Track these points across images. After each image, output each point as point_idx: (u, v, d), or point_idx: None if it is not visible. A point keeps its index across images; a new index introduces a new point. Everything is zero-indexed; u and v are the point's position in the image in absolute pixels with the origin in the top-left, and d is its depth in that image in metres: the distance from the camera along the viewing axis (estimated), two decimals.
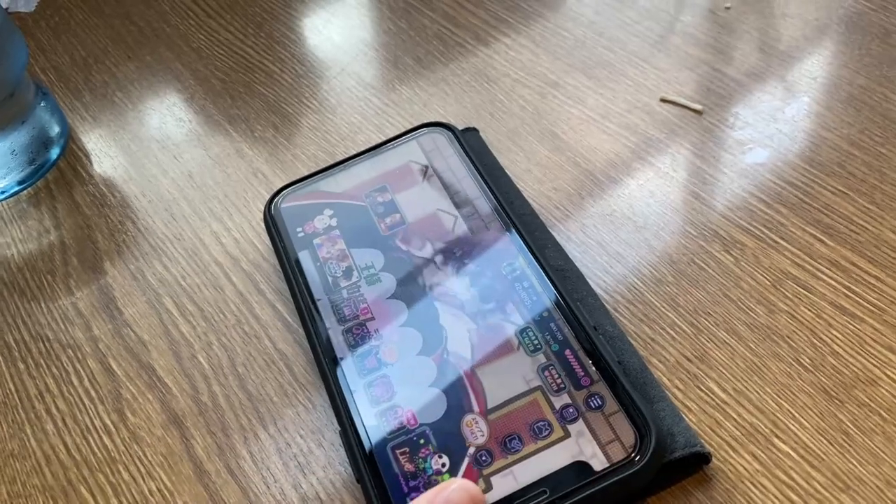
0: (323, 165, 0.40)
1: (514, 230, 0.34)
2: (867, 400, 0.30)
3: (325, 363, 0.32)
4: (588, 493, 0.27)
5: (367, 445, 0.29)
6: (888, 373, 0.30)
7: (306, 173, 0.40)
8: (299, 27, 0.51)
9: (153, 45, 0.52)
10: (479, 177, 0.37)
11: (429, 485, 0.28)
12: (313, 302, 0.34)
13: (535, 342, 0.31)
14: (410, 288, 0.34)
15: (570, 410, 0.29)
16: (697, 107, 0.41)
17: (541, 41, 0.46)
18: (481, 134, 0.41)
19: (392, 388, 0.31)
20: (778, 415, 0.30)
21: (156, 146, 0.46)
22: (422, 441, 0.29)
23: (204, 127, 0.46)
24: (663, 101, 0.42)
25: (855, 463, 0.28)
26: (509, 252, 0.34)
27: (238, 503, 0.31)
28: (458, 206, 0.36)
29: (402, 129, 0.41)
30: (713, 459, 0.29)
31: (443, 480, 0.28)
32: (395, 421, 0.30)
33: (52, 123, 0.46)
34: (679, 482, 0.28)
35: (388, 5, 0.51)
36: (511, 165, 0.40)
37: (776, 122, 0.40)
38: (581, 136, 0.41)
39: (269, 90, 0.47)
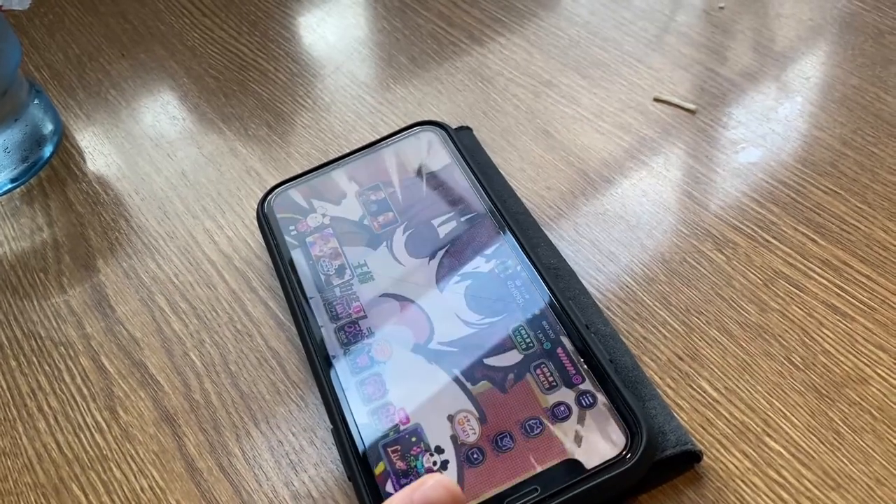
0: (316, 164, 0.40)
1: (507, 229, 0.34)
2: (858, 398, 0.30)
3: (318, 361, 0.32)
4: (579, 490, 0.27)
5: (359, 443, 0.29)
6: (879, 371, 0.30)
7: (300, 171, 0.40)
8: (294, 26, 0.51)
9: (147, 43, 0.52)
10: (472, 175, 0.37)
11: None
12: (306, 300, 0.34)
13: (528, 340, 0.31)
14: (403, 286, 0.34)
15: (562, 408, 0.29)
16: (691, 106, 0.41)
17: (535, 40, 0.46)
18: (475, 133, 0.41)
19: (384, 386, 0.31)
20: (769, 413, 0.30)
21: (149, 144, 0.45)
22: (414, 439, 0.29)
23: (197, 125, 0.46)
24: (657, 100, 0.42)
25: (845, 461, 0.28)
26: (502, 251, 0.34)
27: (230, 501, 0.31)
28: (451, 204, 0.36)
29: (396, 128, 0.41)
30: (704, 458, 0.29)
31: None
32: (388, 419, 0.30)
33: (45, 121, 0.46)
34: (670, 480, 0.29)
35: (383, 4, 0.51)
36: (504, 164, 0.40)
37: (769, 122, 0.40)
38: (574, 136, 0.41)
39: (264, 88, 0.47)
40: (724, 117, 0.40)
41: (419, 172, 0.38)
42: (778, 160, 0.38)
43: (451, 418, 0.29)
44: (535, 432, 0.28)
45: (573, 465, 0.27)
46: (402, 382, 0.31)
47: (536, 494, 0.27)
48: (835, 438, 0.29)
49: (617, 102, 0.42)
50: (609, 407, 0.28)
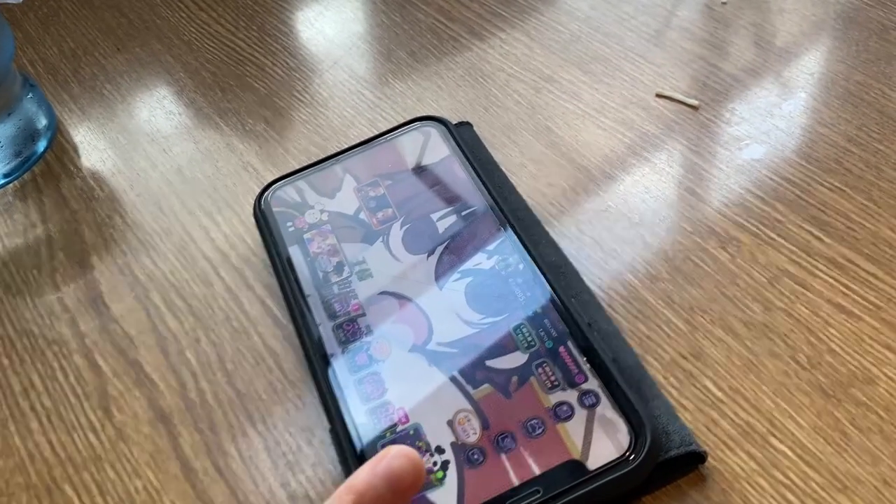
0: (314, 159, 0.39)
1: (508, 226, 0.34)
2: (865, 399, 0.29)
3: (316, 360, 0.31)
4: (581, 492, 0.26)
5: (357, 443, 0.29)
6: (886, 371, 0.30)
7: (297, 167, 0.39)
8: (291, 20, 0.51)
9: (143, 37, 0.51)
10: (472, 172, 0.36)
11: None
12: (304, 298, 0.33)
13: (529, 339, 0.30)
14: (402, 284, 0.33)
15: (564, 408, 0.28)
16: (693, 102, 0.40)
17: (536, 35, 0.46)
18: (475, 129, 0.41)
19: (383, 385, 0.30)
20: (774, 413, 0.29)
21: (145, 139, 0.45)
22: (413, 439, 0.28)
23: (194, 120, 0.45)
24: (659, 96, 0.41)
25: (853, 463, 0.28)
26: (503, 248, 0.33)
27: (226, 502, 0.30)
28: (451, 201, 0.36)
29: (395, 124, 0.40)
30: (709, 459, 0.28)
31: (435, 479, 0.27)
32: (387, 418, 0.29)
33: (39, 115, 0.45)
34: (674, 481, 0.28)
35: None
36: (505, 160, 0.40)
37: (773, 118, 0.39)
38: (576, 132, 0.40)
39: (261, 83, 0.47)
40: (727, 113, 0.40)
41: (419, 168, 0.37)
42: (782, 157, 0.38)
43: (451, 418, 0.29)
44: (537, 433, 0.28)
45: (576, 466, 0.27)
46: (402, 381, 0.30)
47: (538, 496, 0.26)
48: (842, 439, 0.28)
49: (619, 98, 0.41)
50: (612, 407, 0.28)
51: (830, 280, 0.33)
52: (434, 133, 0.39)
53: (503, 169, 0.39)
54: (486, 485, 0.27)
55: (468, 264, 0.33)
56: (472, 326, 0.31)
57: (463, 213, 0.35)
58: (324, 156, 0.39)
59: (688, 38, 0.44)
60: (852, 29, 0.43)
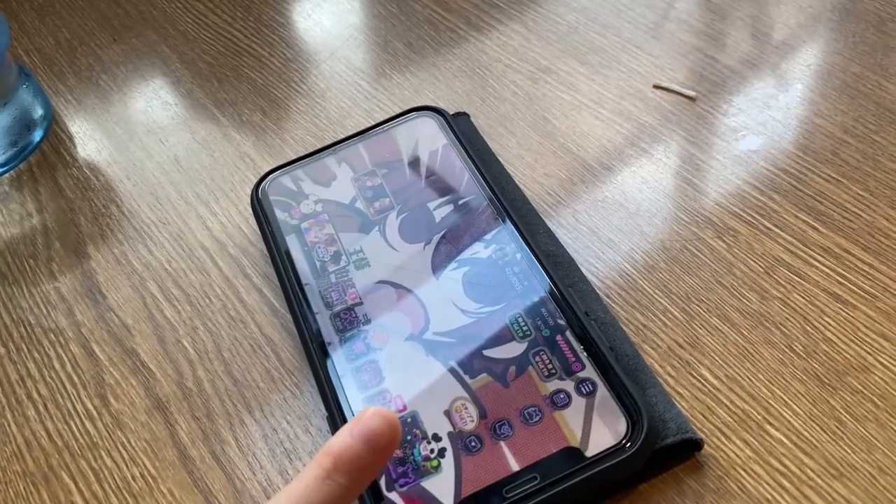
0: (311, 150, 0.39)
1: (505, 215, 0.34)
2: (860, 387, 0.29)
3: (313, 348, 0.31)
4: (579, 479, 0.26)
5: None
6: (881, 360, 0.30)
7: (294, 157, 0.39)
8: (288, 11, 0.51)
9: (139, 27, 0.51)
10: (469, 162, 0.36)
11: (417, 471, 0.27)
12: (300, 287, 0.33)
13: (526, 328, 0.30)
14: (399, 273, 0.33)
15: (562, 396, 0.28)
16: (691, 93, 0.40)
17: (533, 27, 0.46)
18: (472, 119, 0.41)
19: (380, 374, 0.30)
20: (770, 401, 0.29)
21: (141, 130, 0.45)
22: (410, 427, 0.28)
23: (190, 111, 0.45)
24: (656, 87, 0.41)
25: (848, 450, 0.28)
26: (500, 237, 0.33)
27: (223, 489, 0.30)
28: (448, 191, 0.36)
29: (392, 114, 0.40)
30: (705, 446, 0.28)
31: (431, 467, 0.27)
32: (384, 406, 0.29)
33: (34, 105, 0.45)
34: (671, 469, 0.28)
35: None
36: (502, 151, 0.40)
37: (769, 110, 0.39)
38: (573, 123, 0.40)
39: (258, 74, 0.46)
40: (724, 104, 0.40)
41: (416, 158, 0.37)
42: (778, 148, 0.38)
43: (448, 406, 0.29)
44: (535, 420, 0.28)
45: (573, 454, 0.27)
46: (399, 370, 0.30)
47: (535, 483, 0.26)
48: (837, 427, 0.28)
49: (616, 89, 0.42)
50: (609, 395, 0.28)
51: (826, 269, 0.33)
52: (431, 123, 0.39)
53: (500, 159, 0.39)
54: (483, 472, 0.27)
55: (465, 254, 0.33)
56: (469, 316, 0.31)
57: (460, 203, 0.35)
58: (321, 146, 0.39)
59: (685, 30, 0.44)
60: (849, 20, 0.43)
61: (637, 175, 0.38)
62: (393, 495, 0.27)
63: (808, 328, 0.31)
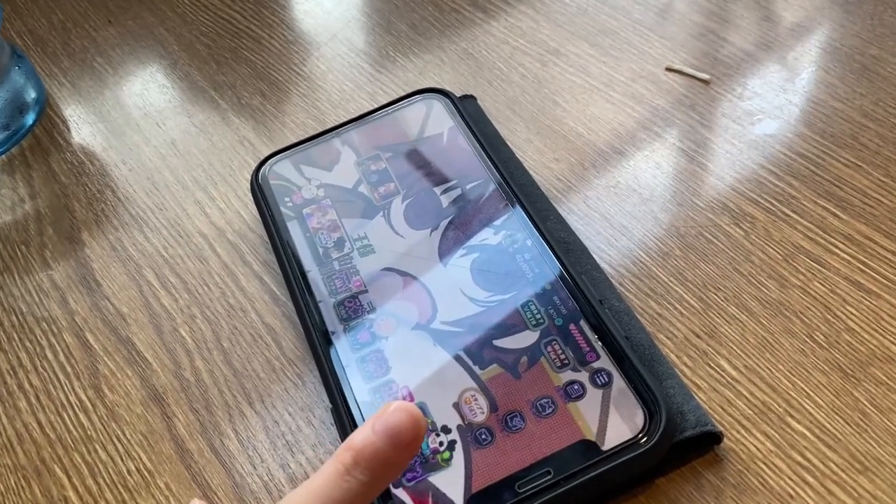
0: (313, 133, 0.38)
1: (514, 201, 0.33)
2: (885, 378, 0.28)
3: (316, 337, 0.30)
4: (594, 473, 0.25)
5: (359, 423, 0.27)
6: None
7: (295, 141, 0.38)
8: None
9: (135, 9, 0.49)
10: (477, 146, 0.35)
11: (426, 465, 0.26)
12: (303, 274, 0.32)
13: (538, 316, 0.29)
14: (405, 260, 0.32)
15: (576, 387, 0.27)
16: (704, 76, 0.39)
17: (541, 8, 0.44)
18: (479, 102, 0.40)
19: (387, 364, 0.29)
20: (791, 393, 0.28)
21: (137, 113, 0.43)
22: None
23: (188, 94, 0.44)
24: (669, 70, 0.40)
25: (873, 443, 0.27)
26: (510, 223, 0.32)
27: (222, 484, 0.29)
28: (455, 175, 0.35)
29: (396, 97, 0.39)
30: (725, 439, 0.27)
31: (441, 460, 0.26)
32: (390, 397, 0.28)
33: (27, 88, 0.44)
34: (689, 463, 0.27)
35: None
36: (510, 135, 0.38)
37: (786, 93, 0.38)
38: (584, 106, 0.39)
39: (257, 56, 0.45)
40: (738, 87, 0.39)
41: (421, 142, 0.36)
42: (796, 132, 0.36)
43: (457, 398, 0.28)
44: (548, 412, 0.27)
45: (588, 447, 0.26)
46: (406, 360, 0.29)
47: (549, 477, 0.25)
48: (861, 419, 0.27)
49: (627, 72, 0.40)
50: (626, 386, 0.27)
51: (847, 257, 0.32)
52: (437, 106, 0.37)
53: (508, 144, 0.37)
54: (494, 466, 0.26)
55: (473, 240, 0.32)
56: (478, 304, 0.30)
57: (467, 188, 0.34)
58: (322, 129, 0.38)
59: (697, 11, 0.43)
60: (867, 2, 0.42)
61: (650, 160, 0.36)
62: (400, 491, 0.26)
63: (830, 317, 0.30)
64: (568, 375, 0.27)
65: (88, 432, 0.31)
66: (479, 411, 0.27)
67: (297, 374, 0.31)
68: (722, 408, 0.28)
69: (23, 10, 0.50)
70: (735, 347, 0.30)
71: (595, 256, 0.33)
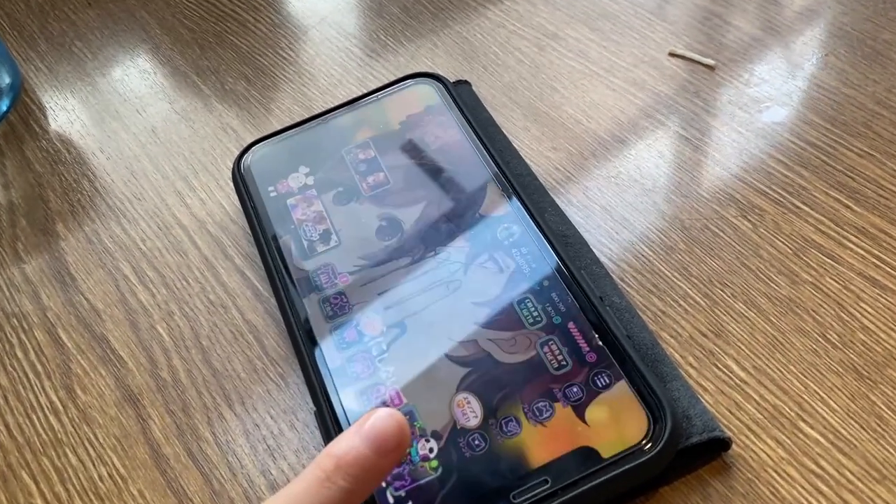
0: (299, 120, 0.36)
1: (511, 192, 0.31)
2: None
3: (300, 336, 0.28)
4: (595, 483, 0.23)
5: (345, 427, 0.26)
6: None
7: (280, 128, 0.36)
8: None
9: None
10: (472, 134, 0.33)
11: (414, 473, 0.25)
12: (286, 268, 0.30)
13: (535, 314, 0.28)
14: (395, 254, 0.30)
15: (574, 390, 0.25)
16: (709, 62, 0.37)
17: None
18: (474, 88, 0.38)
19: (374, 364, 0.27)
20: (804, 396, 0.27)
21: (117, 99, 0.42)
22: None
23: (170, 79, 0.42)
24: (672, 55, 0.38)
25: (891, 450, 0.25)
26: (506, 215, 0.30)
27: (199, 491, 0.27)
28: (448, 165, 0.33)
29: (386, 83, 0.37)
30: (733, 445, 0.26)
31: (430, 468, 0.25)
32: (378, 400, 0.26)
33: (1, 73, 0.42)
34: (695, 471, 0.25)
35: None
36: (506, 123, 0.37)
37: (794, 79, 0.36)
38: (583, 92, 0.37)
39: (242, 40, 0.43)
40: (745, 74, 0.37)
41: (413, 129, 0.34)
42: (805, 120, 0.35)
43: (449, 399, 0.26)
44: (545, 416, 0.25)
45: (588, 454, 0.24)
46: (395, 360, 0.27)
47: (546, 486, 0.24)
48: (878, 424, 0.26)
49: (629, 57, 0.38)
50: (628, 388, 0.25)
51: (861, 251, 0.30)
52: (430, 91, 0.35)
53: (505, 132, 0.36)
54: (487, 474, 0.24)
55: (467, 233, 0.30)
56: (472, 301, 0.28)
57: (462, 178, 0.32)
58: (309, 116, 0.36)
59: None
60: None
61: (653, 148, 0.35)
62: (387, 499, 0.24)
63: (844, 315, 0.28)
64: (566, 377, 0.26)
65: (59, 435, 0.29)
66: (472, 415, 0.26)
67: (280, 375, 0.30)
68: (730, 412, 0.27)
69: None
70: (743, 347, 0.28)
71: (595, 250, 0.31)
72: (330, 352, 0.28)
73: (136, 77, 0.42)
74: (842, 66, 0.37)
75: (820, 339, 0.28)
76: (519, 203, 0.31)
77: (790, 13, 0.39)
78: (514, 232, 0.30)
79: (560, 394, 0.25)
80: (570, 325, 0.27)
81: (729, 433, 0.26)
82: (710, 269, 0.30)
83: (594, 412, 0.25)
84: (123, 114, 0.41)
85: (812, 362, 0.27)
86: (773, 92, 0.36)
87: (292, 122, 0.36)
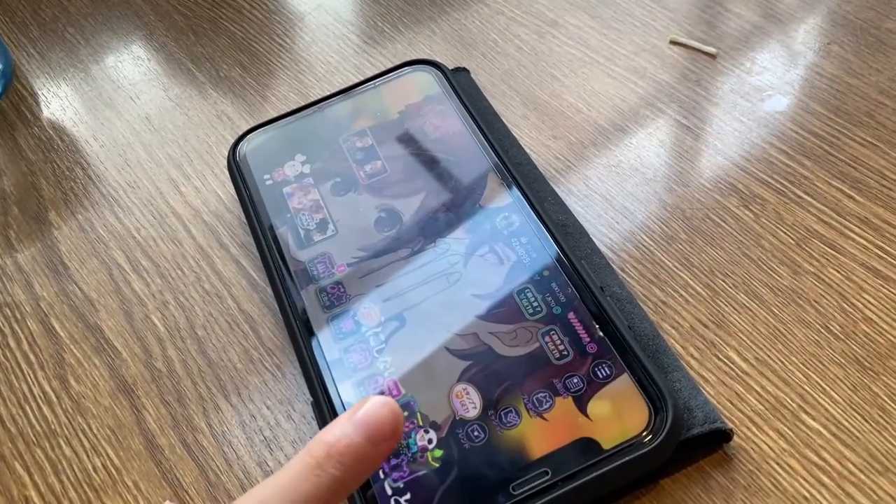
0: (295, 108, 0.36)
1: (511, 181, 0.31)
2: None
3: (296, 326, 0.28)
4: (595, 474, 0.23)
5: None
6: None
7: (276, 116, 0.35)
8: None
9: None
10: (471, 122, 0.33)
11: (413, 463, 0.24)
12: (282, 258, 0.30)
13: (535, 304, 0.27)
14: (394, 245, 0.30)
15: (575, 381, 0.25)
16: (711, 50, 0.37)
17: None
18: (472, 76, 0.37)
19: (372, 355, 0.27)
20: (806, 387, 0.26)
21: (110, 86, 0.41)
22: (405, 414, 0.25)
23: (164, 66, 0.41)
24: (673, 43, 0.38)
25: (894, 441, 0.25)
26: (506, 204, 0.30)
27: (194, 482, 0.27)
28: (447, 153, 0.32)
29: (384, 70, 0.36)
30: (734, 437, 0.25)
31: (430, 458, 0.24)
32: (375, 391, 0.26)
33: None
34: (696, 462, 0.25)
35: None
36: (506, 111, 0.36)
37: (797, 68, 0.36)
38: (583, 80, 0.37)
39: (237, 27, 0.43)
40: (747, 62, 0.37)
41: (411, 117, 0.34)
42: (808, 109, 0.34)
43: (448, 390, 0.26)
44: (545, 407, 0.25)
45: (588, 446, 0.24)
46: (393, 350, 0.27)
47: (547, 478, 0.23)
48: (880, 416, 0.26)
49: (630, 45, 0.38)
50: (629, 379, 0.25)
51: (864, 242, 0.30)
52: (428, 78, 0.35)
53: (504, 120, 0.35)
54: (487, 465, 0.24)
55: (466, 223, 0.30)
56: (471, 292, 0.28)
57: (460, 167, 0.32)
58: (305, 103, 0.36)
59: None
60: None
61: (654, 137, 0.34)
62: (384, 491, 0.24)
63: (846, 306, 0.28)
64: (567, 367, 0.25)
65: (52, 426, 0.29)
66: (472, 406, 0.25)
67: (276, 365, 0.29)
68: (731, 403, 0.26)
69: None
70: (745, 338, 0.28)
71: (595, 240, 0.31)
72: (327, 342, 0.27)
73: (130, 64, 0.42)
74: (844, 54, 0.36)
75: (822, 329, 0.28)
76: (519, 193, 0.30)
77: (792, 1, 0.39)
78: (514, 221, 0.30)
79: (560, 385, 0.25)
80: (571, 315, 0.27)
81: (730, 424, 0.25)
82: (712, 259, 0.30)
83: (595, 403, 0.25)
84: (117, 101, 0.40)
85: (814, 353, 0.27)
86: (774, 81, 0.36)
87: (288, 110, 0.36)
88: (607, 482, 0.23)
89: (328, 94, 0.36)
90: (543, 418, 0.25)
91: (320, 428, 0.26)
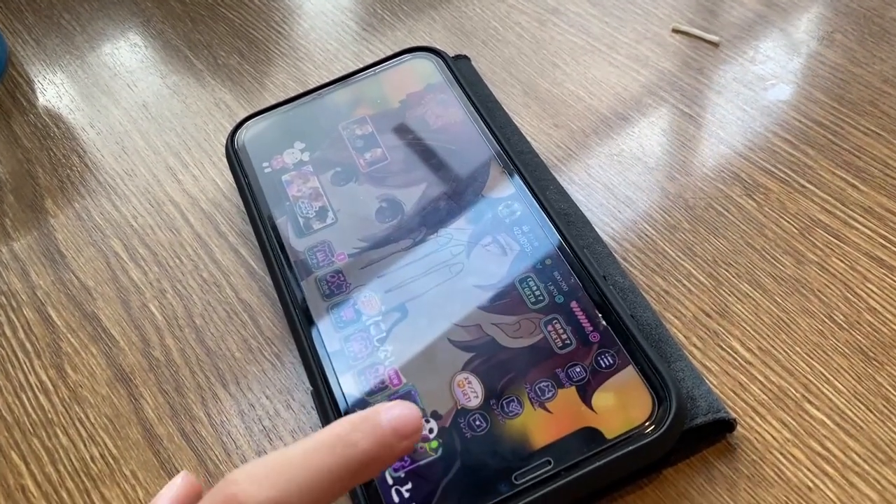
0: (293, 95, 0.35)
1: (512, 170, 0.30)
2: None
3: (296, 315, 0.28)
4: (598, 464, 0.23)
5: (342, 407, 0.25)
6: None
7: (274, 103, 0.35)
8: None
9: None
10: (472, 110, 0.33)
11: (414, 454, 0.24)
12: (282, 246, 0.30)
13: (538, 293, 0.27)
14: (395, 236, 0.30)
15: (578, 370, 0.25)
16: (713, 38, 0.37)
17: None
18: (473, 63, 0.37)
19: (372, 344, 0.27)
20: (809, 377, 0.26)
21: (107, 73, 0.40)
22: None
23: (161, 53, 0.41)
24: (675, 31, 0.37)
25: None
26: (507, 193, 0.30)
27: (193, 472, 0.27)
28: (447, 141, 0.32)
29: (383, 57, 0.36)
30: (738, 427, 0.25)
31: (430, 449, 0.24)
32: (376, 380, 0.26)
33: None
34: (700, 452, 0.25)
35: None
36: (507, 99, 0.36)
37: (800, 56, 0.36)
38: (585, 68, 0.37)
39: (235, 13, 0.42)
40: (750, 51, 0.36)
41: (411, 105, 0.34)
42: (811, 98, 0.34)
43: (449, 379, 0.25)
44: (547, 396, 0.25)
45: (591, 435, 0.24)
46: (394, 340, 0.27)
47: (549, 468, 0.23)
48: (884, 406, 0.25)
49: (632, 33, 0.38)
50: (632, 369, 0.25)
51: (868, 231, 0.30)
52: (428, 66, 0.35)
53: (505, 108, 0.35)
54: (488, 455, 0.24)
55: (467, 212, 0.30)
56: (472, 281, 0.28)
57: (461, 155, 0.31)
58: (304, 91, 0.35)
59: None
60: None
61: (656, 126, 0.34)
62: (386, 481, 0.24)
63: (850, 296, 0.28)
64: (569, 357, 0.25)
65: (49, 415, 0.29)
66: (473, 395, 0.25)
67: (276, 354, 0.29)
68: (735, 393, 0.26)
69: None
70: (748, 328, 0.28)
71: (597, 229, 0.30)
72: (327, 331, 0.27)
73: (127, 51, 0.41)
74: (848, 43, 0.36)
75: (826, 319, 0.28)
76: (521, 181, 0.30)
77: None
78: (516, 210, 0.29)
79: (563, 374, 0.25)
80: (574, 304, 0.26)
81: (734, 414, 0.25)
82: (715, 248, 0.30)
83: (597, 393, 0.24)
84: (114, 88, 0.40)
85: (818, 343, 0.27)
86: (778, 69, 0.35)
87: (287, 98, 0.35)
88: (610, 472, 0.23)
89: (327, 81, 0.35)
90: (546, 408, 0.24)
91: (320, 417, 0.26)
